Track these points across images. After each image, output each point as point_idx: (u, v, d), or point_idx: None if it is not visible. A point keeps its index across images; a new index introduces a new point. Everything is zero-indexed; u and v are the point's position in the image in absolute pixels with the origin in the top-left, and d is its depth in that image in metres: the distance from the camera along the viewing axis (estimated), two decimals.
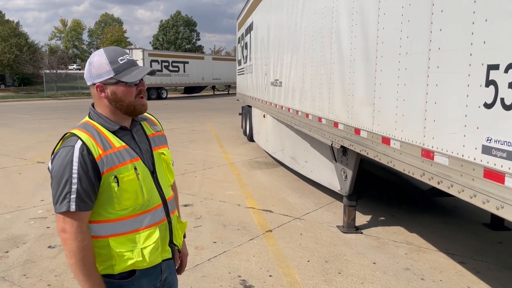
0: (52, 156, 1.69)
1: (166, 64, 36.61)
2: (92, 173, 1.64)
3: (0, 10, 55.17)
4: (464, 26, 2.40)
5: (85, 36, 79.48)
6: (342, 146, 4.69)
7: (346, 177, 5.08)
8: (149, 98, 34.42)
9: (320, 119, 5.17)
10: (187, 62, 38.79)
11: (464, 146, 2.39)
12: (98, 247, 1.70)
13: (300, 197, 6.61)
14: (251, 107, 11.72)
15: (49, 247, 4.67)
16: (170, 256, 1.93)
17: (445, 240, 4.91)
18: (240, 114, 14.19)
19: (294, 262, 4.32)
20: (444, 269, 4.20)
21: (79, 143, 1.64)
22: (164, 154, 1.93)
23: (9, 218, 5.67)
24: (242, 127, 13.90)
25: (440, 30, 2.62)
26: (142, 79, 1.78)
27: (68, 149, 1.64)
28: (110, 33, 70.75)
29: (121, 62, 1.73)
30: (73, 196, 1.61)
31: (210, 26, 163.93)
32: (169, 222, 1.89)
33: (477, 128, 2.28)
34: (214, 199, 6.54)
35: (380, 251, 4.60)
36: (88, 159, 1.63)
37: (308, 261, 4.36)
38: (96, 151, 1.66)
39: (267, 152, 9.95)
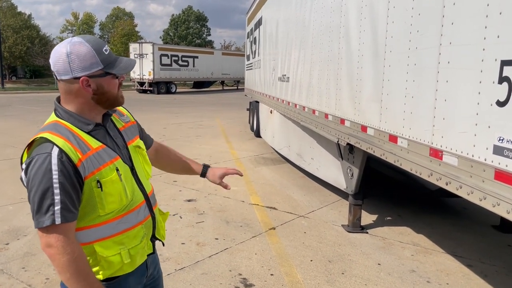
0: (24, 165, 1.53)
1: (176, 58, 36.57)
2: (75, 180, 1.51)
3: (13, 3, 55.47)
4: (477, 19, 2.27)
5: (96, 30, 79.82)
6: (348, 144, 4.57)
7: (352, 175, 4.97)
8: (158, 92, 34.51)
9: (326, 115, 5.06)
10: (196, 57, 38.70)
11: (474, 145, 2.27)
12: None
13: (305, 195, 6.51)
14: (258, 102, 11.62)
15: None
16: (152, 251, 1.85)
17: (453, 242, 4.78)
18: (247, 109, 14.10)
19: (296, 261, 4.23)
20: (451, 272, 4.08)
21: (55, 149, 1.48)
22: (140, 147, 1.83)
23: (12, 209, 5.64)
24: (249, 123, 13.81)
25: (452, 23, 2.50)
26: None
27: (44, 157, 1.47)
28: (121, 26, 70.87)
29: (106, 53, 1.60)
30: (57, 207, 1.46)
31: (221, 21, 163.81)
32: (153, 218, 1.82)
33: (489, 127, 2.16)
34: (218, 194, 6.46)
35: (386, 252, 4.49)
36: (69, 166, 1.49)
37: (311, 260, 4.26)
38: (75, 156, 1.51)
39: (273, 148, 9.86)
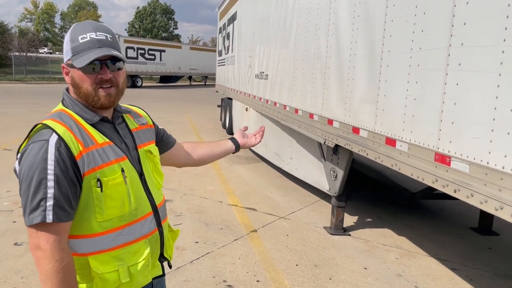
0: (19, 154, 1.33)
1: (142, 51, 35.74)
2: (73, 174, 1.31)
3: None
4: (495, 20, 2.17)
5: (57, 19, 76.91)
6: (335, 145, 4.45)
7: (336, 176, 4.85)
8: None
9: (311, 115, 4.92)
10: (163, 51, 37.93)
11: (490, 152, 2.17)
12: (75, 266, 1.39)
13: (284, 195, 6.37)
14: (231, 99, 11.39)
15: (15, 244, 4.27)
16: (161, 273, 1.65)
17: (435, 245, 4.76)
18: (219, 106, 13.82)
19: (282, 266, 4.07)
20: (437, 276, 4.04)
21: (54, 136, 1.31)
22: (151, 153, 1.62)
23: None
24: (221, 120, 13.55)
25: (465, 24, 2.39)
26: (106, 66, 1.42)
27: (40, 144, 1.29)
28: (84, 17, 68.64)
29: (81, 41, 1.40)
30: (50, 203, 1.27)
31: (188, 15, 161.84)
32: (161, 233, 1.59)
33: (508, 133, 2.06)
34: (194, 194, 6.22)
35: (370, 255, 4.41)
36: (67, 157, 1.30)
37: (297, 265, 4.12)
38: (76, 147, 1.33)
39: None
